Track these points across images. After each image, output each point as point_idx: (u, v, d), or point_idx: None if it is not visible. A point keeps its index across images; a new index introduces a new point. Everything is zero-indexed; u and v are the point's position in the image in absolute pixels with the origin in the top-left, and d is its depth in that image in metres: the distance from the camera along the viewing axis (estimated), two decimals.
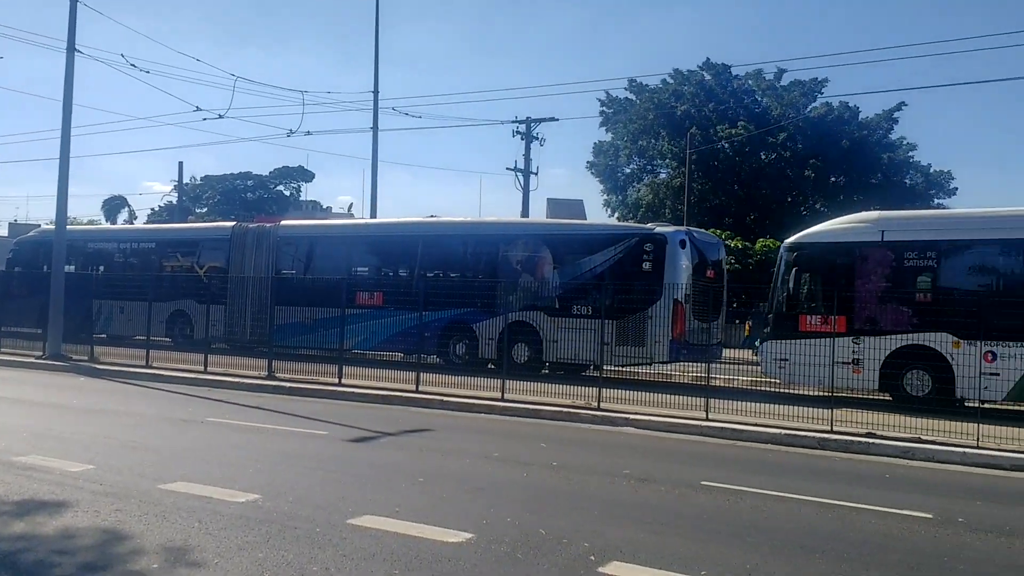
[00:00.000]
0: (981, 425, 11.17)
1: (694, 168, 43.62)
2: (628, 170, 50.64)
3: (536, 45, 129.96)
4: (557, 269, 18.99)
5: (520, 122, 36.49)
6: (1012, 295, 14.21)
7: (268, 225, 23.57)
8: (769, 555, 6.31)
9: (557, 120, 36.12)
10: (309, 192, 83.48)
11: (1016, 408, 14.21)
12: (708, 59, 46.71)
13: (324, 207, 74.79)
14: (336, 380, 16.18)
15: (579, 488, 8.52)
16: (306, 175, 77.28)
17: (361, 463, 9.47)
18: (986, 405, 13.85)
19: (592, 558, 6.06)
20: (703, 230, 22.09)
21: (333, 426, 11.87)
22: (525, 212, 35.90)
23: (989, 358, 13.69)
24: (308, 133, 46.85)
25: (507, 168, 37.14)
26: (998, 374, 13.63)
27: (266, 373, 17.08)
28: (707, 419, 12.72)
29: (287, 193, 77.65)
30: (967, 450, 10.67)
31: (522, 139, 36.33)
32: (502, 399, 14.34)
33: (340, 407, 14.08)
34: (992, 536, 7.06)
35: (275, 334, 18.58)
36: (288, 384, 16.15)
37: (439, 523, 6.78)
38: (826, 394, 12.97)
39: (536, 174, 36.68)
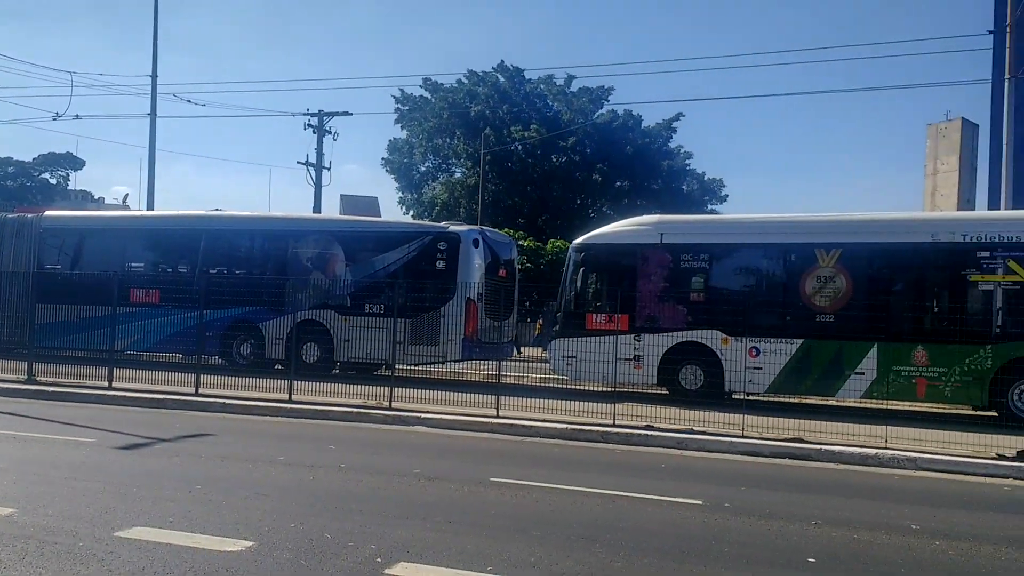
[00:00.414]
0: (746, 416, 12.01)
1: (488, 168, 44.30)
2: (423, 168, 50.79)
3: (331, 38, 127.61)
4: (349, 267, 18.65)
5: (312, 115, 35.66)
6: (774, 295, 15.40)
7: (30, 216, 21.58)
8: (553, 548, 6.43)
9: (351, 115, 35.82)
10: (79, 181, 77.22)
11: (777, 400, 15.40)
12: (502, 61, 47.71)
13: (96, 197, 69.46)
14: (107, 383, 15.05)
15: (368, 489, 8.35)
16: (75, 162, 71.49)
17: (132, 471, 8.82)
18: (751, 397, 15.00)
19: (379, 560, 5.94)
20: (496, 230, 22.45)
21: (101, 433, 11.00)
22: (317, 208, 35.09)
23: (753, 353, 14.77)
24: (77, 117, 43.16)
25: (299, 162, 36.20)
26: (761, 368, 14.71)
27: (26, 376, 15.62)
28: (498, 416, 12.89)
29: (53, 181, 71.53)
30: (734, 439, 11.44)
31: (314, 132, 35.53)
32: (290, 400, 13.89)
33: (110, 412, 13.11)
34: (754, 519, 7.57)
35: (37, 334, 17.03)
36: (52, 388, 14.85)
37: (217, 532, 6.42)
38: (610, 390, 13.50)
39: (329, 169, 35.98)
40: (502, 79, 47.69)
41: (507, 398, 13.52)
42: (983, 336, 13.73)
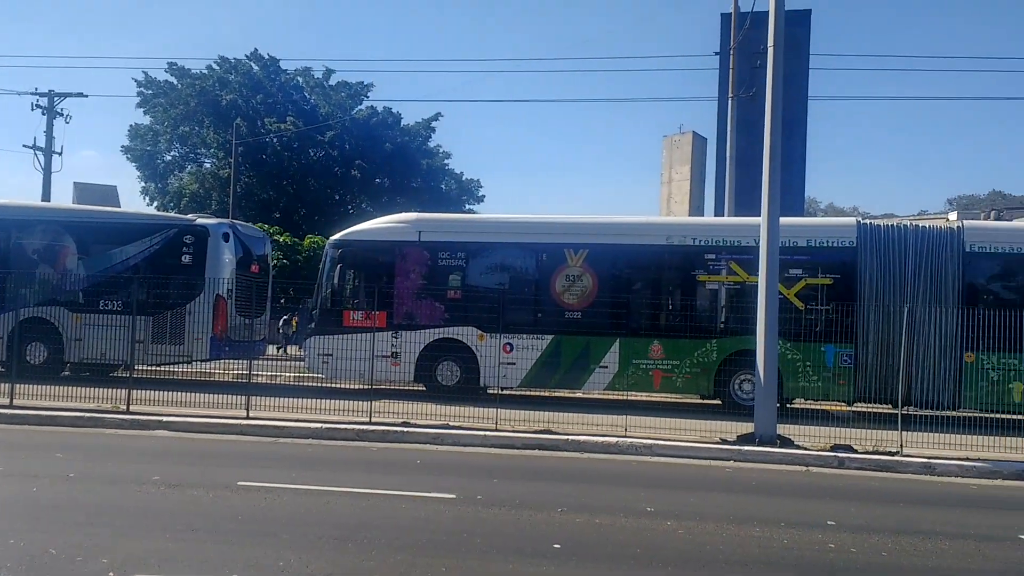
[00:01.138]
0: (500, 410, 12.35)
1: (242, 160, 42.46)
2: (169, 157, 47.78)
3: (67, 13, 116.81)
4: (83, 260, 17.18)
5: (41, 95, 32.51)
6: (527, 293, 15.95)
7: None
8: (304, 550, 6.27)
9: (86, 96, 32.86)
10: None
11: (530, 393, 15.98)
12: (256, 50, 45.86)
13: None
14: None
15: (100, 499, 7.73)
16: None
17: None
18: (505, 391, 15.46)
19: (111, 574, 5.51)
20: (249, 223, 21.56)
21: None
22: (47, 196, 32.05)
23: (507, 349, 15.24)
24: None
25: (25, 146, 32.85)
26: (515, 363, 15.22)
27: None
28: (248, 418, 12.40)
29: None
30: (488, 433, 11.73)
31: (43, 114, 32.40)
32: (10, 406, 12.60)
33: None
34: (505, 510, 7.80)
35: None
36: None
37: None
38: (367, 387, 13.38)
39: (60, 154, 33.01)
40: (256, 68, 45.87)
41: (259, 398, 13.06)
42: (709, 331, 14.99)
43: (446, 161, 48.97)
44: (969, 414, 13.28)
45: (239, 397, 12.93)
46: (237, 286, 17.02)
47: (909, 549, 6.96)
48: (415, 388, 15.79)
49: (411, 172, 46.64)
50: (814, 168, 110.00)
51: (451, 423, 12.26)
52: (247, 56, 45.81)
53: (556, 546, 6.68)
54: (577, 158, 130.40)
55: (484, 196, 50.12)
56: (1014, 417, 13.20)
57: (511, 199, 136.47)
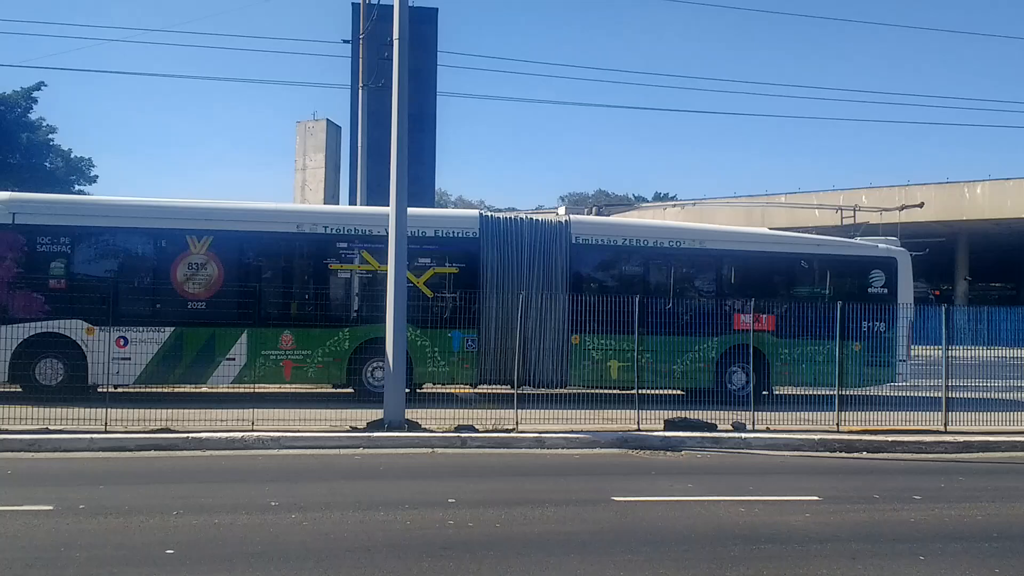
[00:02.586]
0: (110, 410, 11.29)
1: None
2: None
3: None
4: None
5: None
6: (144, 282, 14.76)
7: None
8: None
9: None
10: None
11: (149, 390, 14.82)
12: None
13: None
14: None
15: None
16: None
17: None
18: (120, 389, 14.19)
19: None
20: None
21: None
22: None
23: (121, 343, 14.00)
24: None
25: None
26: (130, 358, 14.01)
27: None
28: None
29: None
30: (95, 435, 10.68)
31: None
32: None
33: None
34: (112, 518, 7.13)
35: None
36: None
37: None
38: None
39: None
40: None
41: None
42: (342, 320, 14.98)
43: (51, 136, 43.88)
44: (577, 391, 14.67)
45: None
46: None
47: (520, 518, 7.47)
48: (10, 390, 13.93)
49: (8, 147, 41.14)
50: (446, 162, 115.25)
51: (51, 427, 10.98)
52: None
53: (169, 551, 6.24)
54: (208, 141, 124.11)
55: (97, 176, 45.71)
56: (613, 392, 14.84)
57: (132, 182, 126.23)
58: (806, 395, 14.50)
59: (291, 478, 9.24)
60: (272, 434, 10.97)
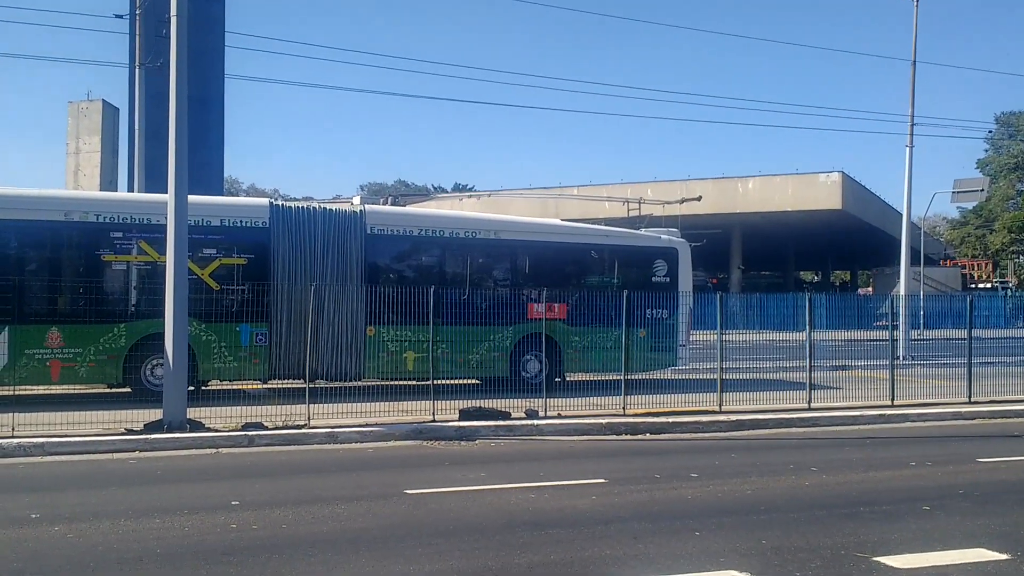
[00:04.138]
0: None
1: None
2: None
3: None
4: None
5: None
6: None
7: None
8: None
9: None
10: None
11: None
12: None
13: None
14: None
15: None
16: None
17: None
18: None
19: None
20: None
21: None
22: None
23: None
24: None
25: None
26: None
27: None
28: None
29: None
30: None
31: None
32: None
33: None
34: None
35: None
36: None
37: None
38: None
39: None
40: None
41: None
42: (118, 315, 13.96)
43: None
44: (373, 383, 14.46)
45: None
46: None
47: (308, 518, 7.24)
48: None
49: None
50: (237, 149, 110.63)
51: None
52: None
53: None
54: None
55: None
56: (409, 383, 14.76)
57: None
58: (596, 380, 15.07)
59: (57, 487, 8.49)
60: (35, 440, 10.04)
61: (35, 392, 13.54)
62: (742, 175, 42.88)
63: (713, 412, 13.60)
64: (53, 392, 14.00)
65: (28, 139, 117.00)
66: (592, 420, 12.62)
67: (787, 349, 18.22)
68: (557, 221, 19.71)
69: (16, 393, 11.71)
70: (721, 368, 14.20)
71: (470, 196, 37.39)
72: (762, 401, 14.39)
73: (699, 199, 28.06)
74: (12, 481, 8.77)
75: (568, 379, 16.50)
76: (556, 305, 16.05)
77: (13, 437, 10.11)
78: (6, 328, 13.10)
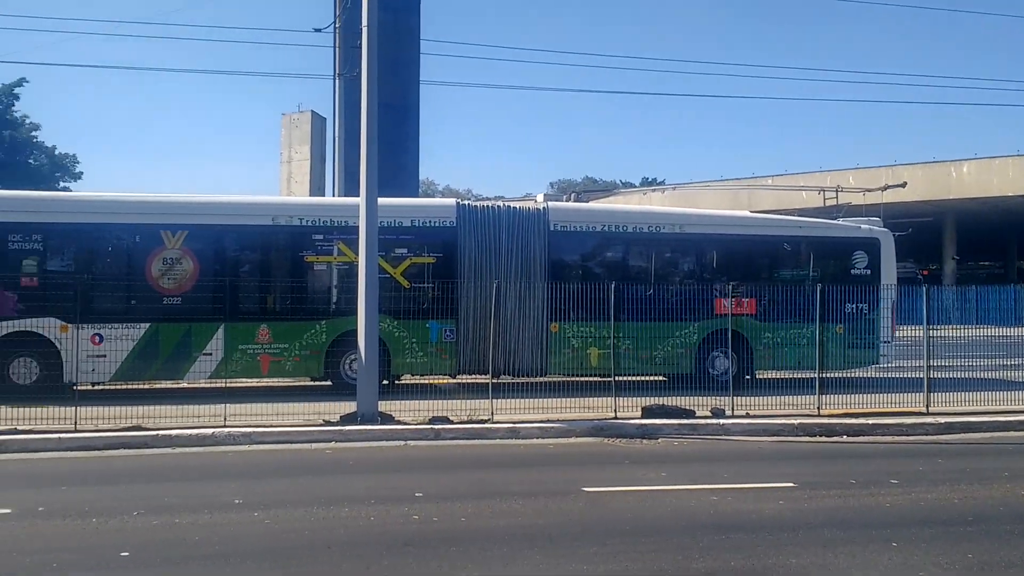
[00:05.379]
0: (81, 408, 11.13)
1: None
2: None
3: None
4: None
5: None
6: (119, 278, 14.57)
7: None
8: None
9: None
10: None
11: (125, 387, 14.67)
12: None
13: None
14: None
15: None
16: None
17: None
18: (97, 387, 14.07)
19: None
20: None
21: None
22: None
23: (96, 340, 13.84)
24: None
25: None
26: (105, 355, 13.83)
27: None
28: None
29: None
30: (63, 435, 10.53)
31: None
32: None
33: None
34: (70, 520, 7.01)
35: None
36: None
37: None
38: None
39: None
40: None
41: None
42: (319, 313, 14.81)
43: (34, 133, 43.54)
44: (555, 379, 14.54)
45: None
46: None
47: (487, 512, 7.36)
48: None
49: None
50: (432, 152, 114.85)
51: (20, 427, 10.83)
52: None
53: (124, 554, 6.12)
54: (194, 135, 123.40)
55: (82, 173, 45.50)
56: (592, 379, 14.72)
57: (118, 178, 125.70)
58: (789, 379, 14.41)
59: (258, 475, 9.12)
60: (243, 430, 10.82)
61: (248, 385, 14.60)
62: (955, 158, 39.75)
63: (919, 413, 12.66)
64: (264, 385, 15.05)
65: (246, 150, 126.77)
66: (783, 420, 12.08)
67: (1008, 346, 16.66)
68: (745, 213, 19.07)
69: (227, 386, 12.69)
70: (928, 366, 13.19)
71: (654, 190, 36.89)
72: (976, 402, 13.24)
73: (903, 185, 26.21)
74: (221, 468, 9.49)
75: (759, 377, 15.89)
76: (745, 300, 15.51)
77: (224, 427, 10.94)
78: (221, 325, 14.21)
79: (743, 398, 12.95)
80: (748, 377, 15.54)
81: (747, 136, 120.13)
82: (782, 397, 13.27)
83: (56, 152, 44.47)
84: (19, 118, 42.85)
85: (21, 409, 11.28)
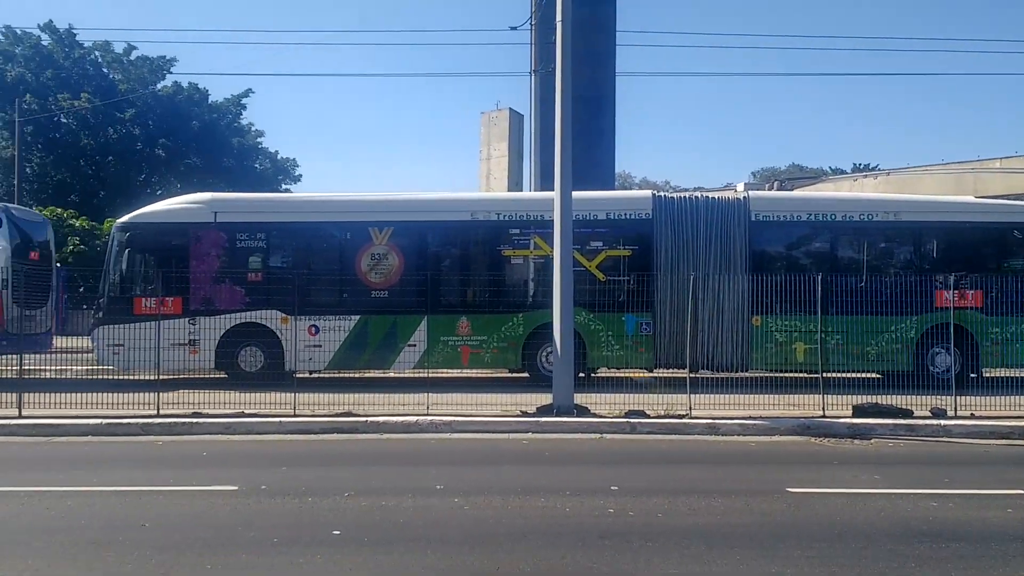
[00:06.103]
0: (299, 394, 11.93)
1: (32, 140, 39.31)
2: None
3: None
4: None
5: None
6: (331, 273, 15.49)
7: None
8: (54, 558, 5.80)
9: None
10: None
11: (338, 376, 15.59)
12: (51, 21, 42.34)
13: None
14: None
15: None
16: None
17: None
18: (313, 375, 15.05)
19: None
20: (27, 208, 19.93)
21: None
22: None
23: (313, 331, 14.79)
24: None
25: None
26: (321, 346, 14.79)
27: None
28: (20, 416, 11.41)
29: None
30: (284, 419, 11.30)
31: None
32: None
33: None
34: (289, 499, 7.48)
35: None
36: None
37: None
38: (158, 378, 12.57)
39: None
40: (47, 40, 42.36)
41: (36, 395, 12.03)
42: (516, 305, 15.09)
43: (259, 139, 47.23)
44: (757, 375, 14.03)
45: (10, 395, 11.87)
46: (13, 275, 15.62)
47: (684, 508, 7.19)
48: (216, 376, 15.05)
49: (222, 151, 44.59)
50: (628, 144, 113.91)
51: (246, 411, 11.73)
52: (39, 26, 42.21)
53: (336, 532, 6.46)
54: (396, 136, 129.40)
55: (301, 176, 48.81)
56: (799, 375, 14.08)
57: (330, 178, 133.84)
58: (1021, 378, 13.15)
59: (459, 462, 9.38)
60: (444, 418, 11.19)
61: (449, 375, 15.10)
62: None
63: None
64: (465, 376, 15.50)
65: (444, 149, 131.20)
66: (1015, 423, 11.04)
67: None
68: (968, 199, 17.56)
69: (430, 376, 13.16)
70: None
71: (865, 176, 34.74)
72: None
73: None
74: (424, 455, 9.85)
75: (985, 375, 14.60)
76: (970, 292, 14.33)
77: (427, 415, 11.36)
78: (425, 317, 14.80)
79: (967, 398, 11.97)
80: (973, 375, 14.33)
81: (971, 117, 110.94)
82: (1013, 397, 12.13)
83: (279, 156, 47.94)
84: (246, 126, 46.56)
85: (247, 394, 12.20)
